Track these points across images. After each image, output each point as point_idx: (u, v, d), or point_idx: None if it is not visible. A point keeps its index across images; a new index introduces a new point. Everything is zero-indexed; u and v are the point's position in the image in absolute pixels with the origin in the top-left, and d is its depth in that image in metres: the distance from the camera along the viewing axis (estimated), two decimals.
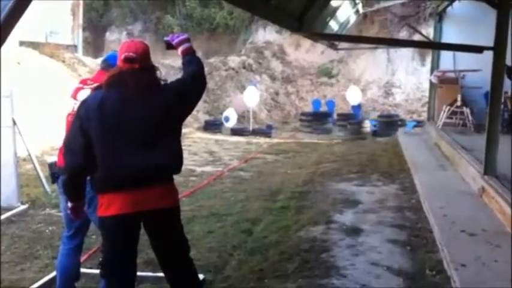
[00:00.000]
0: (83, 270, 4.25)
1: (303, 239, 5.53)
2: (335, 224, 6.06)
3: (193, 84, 3.28)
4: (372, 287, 4.31)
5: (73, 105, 3.73)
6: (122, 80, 3.06)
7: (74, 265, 3.97)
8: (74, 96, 3.81)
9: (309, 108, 20.97)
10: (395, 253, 5.09)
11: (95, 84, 3.60)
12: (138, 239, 3.28)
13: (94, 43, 25.83)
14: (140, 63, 3.10)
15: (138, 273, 3.50)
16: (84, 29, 22.76)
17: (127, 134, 3.03)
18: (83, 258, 4.54)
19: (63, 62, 17.14)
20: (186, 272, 3.38)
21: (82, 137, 3.04)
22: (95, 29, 26.15)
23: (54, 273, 4.21)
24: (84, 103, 3.14)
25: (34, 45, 16.40)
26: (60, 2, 18.36)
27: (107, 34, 26.89)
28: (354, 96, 19.66)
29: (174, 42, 3.43)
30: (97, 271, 3.56)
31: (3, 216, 6.26)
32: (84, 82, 3.94)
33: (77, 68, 17.77)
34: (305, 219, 6.29)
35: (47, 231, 5.89)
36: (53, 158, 3.97)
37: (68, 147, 3.17)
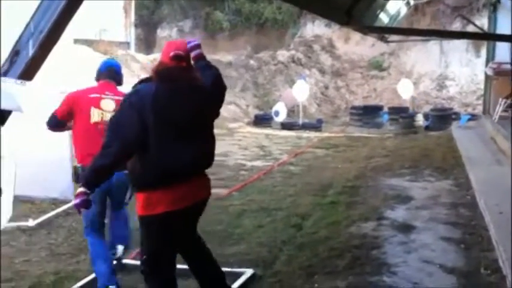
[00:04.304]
0: (133, 262, 4.39)
1: (354, 235, 5.49)
2: (386, 220, 5.98)
3: (214, 90, 3.39)
4: (424, 285, 4.23)
5: (101, 117, 4.22)
6: (172, 75, 3.17)
7: (103, 250, 4.20)
8: (98, 106, 4.25)
9: (360, 101, 20.73)
10: (449, 251, 4.98)
11: (116, 97, 4.25)
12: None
13: (146, 40, 26.31)
14: (187, 62, 3.25)
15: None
16: (136, 26, 23.22)
17: (177, 126, 3.13)
18: (133, 253, 4.66)
19: (116, 58, 17.53)
20: (205, 251, 3.57)
21: (138, 123, 3.03)
22: (146, 25, 26.61)
23: None
24: (137, 92, 3.17)
25: (88, 42, 16.86)
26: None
27: (158, 31, 27.30)
28: (405, 90, 19.26)
29: (187, 47, 3.45)
30: None
31: (60, 209, 6.48)
32: (93, 90, 4.37)
33: (130, 64, 18.16)
34: (356, 215, 6.23)
35: None
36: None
37: (117, 132, 3.09)
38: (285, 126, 17.12)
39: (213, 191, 7.55)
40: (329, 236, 5.43)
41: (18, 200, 6.56)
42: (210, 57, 17.41)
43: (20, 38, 2.29)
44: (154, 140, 3.05)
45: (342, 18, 6.52)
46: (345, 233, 5.56)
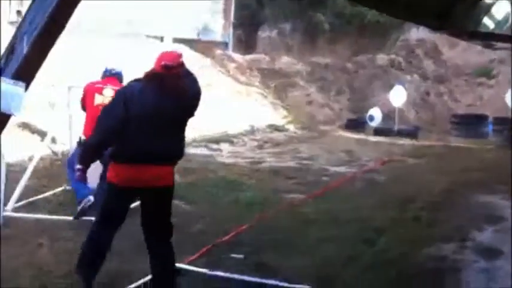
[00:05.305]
0: (189, 267, 4.27)
1: (431, 257, 5.03)
2: (471, 243, 5.44)
3: (195, 96, 3.80)
4: None
5: (102, 100, 5.41)
6: (158, 79, 3.62)
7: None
8: (100, 93, 5.56)
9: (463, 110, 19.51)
10: None
11: (116, 88, 5.24)
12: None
13: (246, 41, 26.41)
14: (177, 71, 3.62)
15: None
16: (236, 27, 23.40)
17: (157, 121, 3.59)
18: (192, 257, 4.53)
19: (213, 58, 17.78)
20: (164, 255, 3.84)
21: (122, 114, 3.55)
22: (247, 26, 26.71)
23: None
24: (129, 87, 3.77)
25: (187, 42, 17.18)
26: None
27: (259, 32, 27.35)
28: None
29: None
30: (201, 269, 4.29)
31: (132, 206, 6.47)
32: (99, 83, 5.73)
33: (226, 64, 18.35)
34: (437, 234, 5.73)
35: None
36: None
37: (106, 115, 3.71)
38: (378, 131, 16.43)
39: (287, 195, 7.36)
40: (403, 256, 4.99)
41: None
42: (308, 59, 17.11)
43: (16, 32, 2.10)
44: (136, 126, 3.55)
45: (431, 22, 5.96)
46: (422, 254, 5.10)
